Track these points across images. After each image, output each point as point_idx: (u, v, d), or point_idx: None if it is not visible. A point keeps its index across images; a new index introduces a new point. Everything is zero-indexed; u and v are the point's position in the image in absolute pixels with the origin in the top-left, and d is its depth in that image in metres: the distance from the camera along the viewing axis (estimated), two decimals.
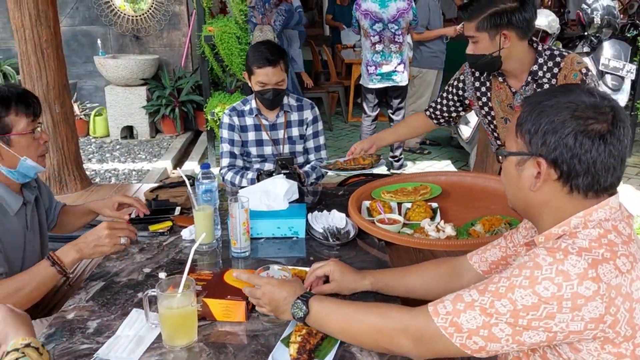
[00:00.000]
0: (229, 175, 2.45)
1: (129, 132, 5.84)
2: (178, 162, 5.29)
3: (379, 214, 1.88)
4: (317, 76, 7.71)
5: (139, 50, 5.96)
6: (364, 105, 4.86)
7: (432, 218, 1.86)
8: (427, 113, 2.39)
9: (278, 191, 1.91)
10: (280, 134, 2.51)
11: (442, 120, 2.38)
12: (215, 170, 2.28)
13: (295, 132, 2.54)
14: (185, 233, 1.86)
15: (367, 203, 2.04)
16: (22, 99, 1.57)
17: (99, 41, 5.74)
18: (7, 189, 1.60)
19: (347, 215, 1.92)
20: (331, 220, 1.89)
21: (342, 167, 2.17)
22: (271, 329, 1.32)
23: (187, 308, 1.25)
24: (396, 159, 4.98)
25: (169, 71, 5.94)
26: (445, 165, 5.12)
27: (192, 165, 5.16)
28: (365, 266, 1.63)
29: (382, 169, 5.04)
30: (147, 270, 1.63)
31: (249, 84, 2.41)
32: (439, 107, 2.34)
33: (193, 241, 1.81)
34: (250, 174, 2.42)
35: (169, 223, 1.93)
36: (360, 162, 2.19)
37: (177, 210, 2.04)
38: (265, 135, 2.50)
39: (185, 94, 5.73)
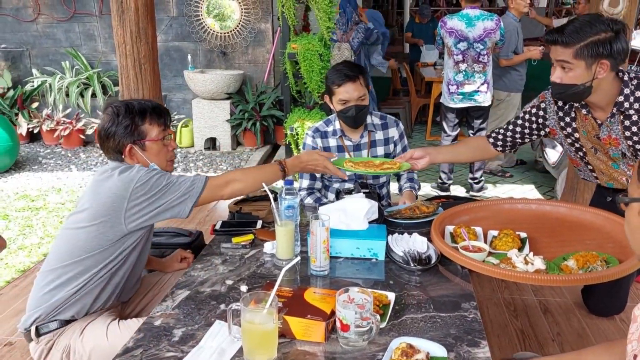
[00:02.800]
0: (308, 201, 2.48)
1: (212, 143, 6.07)
2: None
3: (463, 240, 1.82)
4: (395, 93, 7.68)
5: (225, 66, 6.21)
6: (444, 124, 4.77)
7: (520, 249, 1.77)
8: (490, 140, 2.29)
9: (358, 211, 1.89)
10: (364, 154, 2.50)
11: (506, 148, 2.28)
12: (296, 184, 2.31)
13: (380, 151, 2.52)
14: (268, 247, 1.89)
15: (450, 228, 1.98)
16: (156, 111, 1.80)
17: (189, 56, 6.04)
18: None
19: (429, 240, 1.87)
20: (412, 243, 1.85)
21: (408, 216, 2.12)
22: (350, 352, 1.30)
23: (268, 325, 1.26)
24: (476, 181, 4.82)
25: (252, 86, 6.13)
26: (529, 190, 4.89)
27: None
28: (447, 294, 1.58)
29: (460, 192, 4.91)
30: (229, 282, 1.67)
31: (331, 107, 2.42)
32: (508, 133, 2.24)
33: (274, 255, 1.84)
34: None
35: (251, 236, 1.97)
36: (424, 210, 2.14)
37: (259, 223, 2.08)
38: (347, 156, 2.49)
39: (267, 108, 5.89)
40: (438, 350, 1.27)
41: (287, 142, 5.07)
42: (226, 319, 1.36)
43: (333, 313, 1.37)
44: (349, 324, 1.29)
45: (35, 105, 6.15)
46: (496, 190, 4.92)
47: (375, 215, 1.94)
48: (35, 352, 1.73)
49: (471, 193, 4.82)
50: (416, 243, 1.85)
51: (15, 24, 6.28)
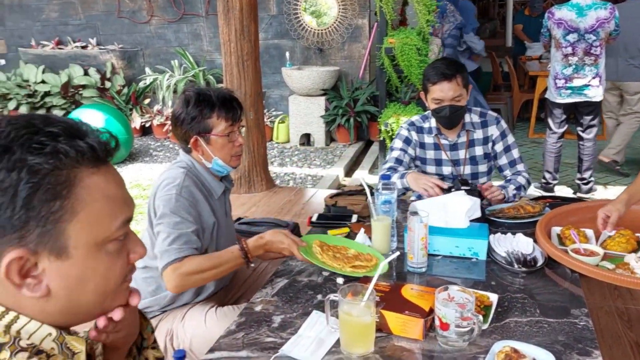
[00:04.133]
0: (385, 170, 2.34)
1: (306, 139, 6.19)
2: (349, 170, 5.46)
3: (573, 243, 1.71)
4: (496, 88, 7.36)
5: (321, 62, 6.30)
6: (549, 121, 4.49)
7: (637, 251, 1.62)
8: None
9: (458, 208, 1.84)
10: (461, 154, 2.40)
11: None
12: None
13: (478, 151, 2.40)
14: (359, 240, 1.87)
15: (557, 229, 1.87)
16: (225, 105, 1.77)
17: (287, 54, 6.20)
18: (212, 177, 1.83)
19: (534, 241, 1.77)
20: (516, 244, 1.76)
21: (512, 215, 2.01)
22: (449, 352, 1.27)
23: (365, 318, 1.26)
24: (584, 181, 4.49)
25: (347, 82, 6.16)
26: None
27: (362, 174, 5.28)
28: (555, 298, 1.49)
29: (566, 193, 4.60)
30: (325, 273, 1.69)
31: (426, 104, 2.35)
32: None
33: None
34: (403, 169, 2.31)
35: (346, 230, 1.98)
36: (529, 209, 2.01)
37: (354, 217, 2.09)
38: (444, 155, 2.41)
39: (361, 104, 5.90)
40: (545, 357, 1.20)
41: (381, 138, 5.04)
42: (324, 310, 1.38)
43: (432, 311, 1.34)
44: (448, 323, 1.25)
45: (147, 101, 6.63)
46: (606, 192, 4.56)
47: (478, 214, 1.87)
48: None
49: (578, 194, 4.50)
50: (520, 244, 1.76)
51: (132, 25, 6.79)
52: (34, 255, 0.68)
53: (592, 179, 4.51)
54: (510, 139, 2.42)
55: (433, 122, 2.39)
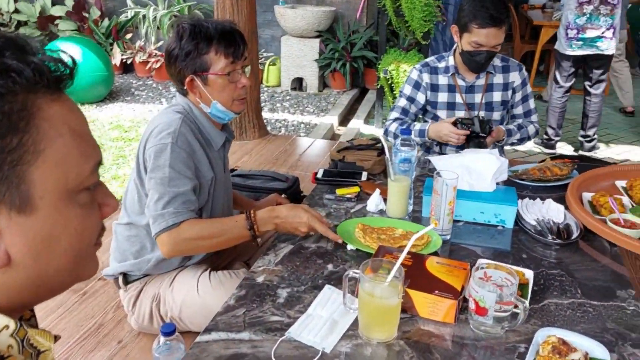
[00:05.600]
0: (393, 127, 2.20)
1: (298, 83, 5.89)
2: (344, 120, 5.21)
3: (610, 213, 1.53)
4: None
5: (316, 1, 5.91)
6: (557, 74, 4.28)
7: None
8: None
9: (485, 170, 1.64)
10: (478, 97, 2.20)
11: None
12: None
13: (496, 97, 2.21)
14: (371, 205, 1.67)
15: (588, 195, 1.69)
16: (225, 38, 1.48)
17: None
18: (211, 125, 1.58)
19: (566, 208, 1.60)
20: (546, 211, 1.58)
21: (537, 178, 1.83)
22: (484, 339, 1.10)
23: (392, 299, 1.07)
24: (588, 139, 4.33)
25: (344, 24, 5.81)
26: None
27: (357, 124, 5.04)
28: (595, 277, 1.33)
29: (567, 150, 4.45)
30: None
31: (456, 40, 2.11)
32: None
33: (381, 212, 1.65)
34: (419, 125, 2.16)
35: (357, 189, 1.78)
36: (556, 172, 1.84)
37: (364, 175, 1.88)
38: (459, 98, 2.21)
39: (358, 49, 5.58)
40: (597, 350, 1.04)
41: (379, 85, 4.78)
42: (336, 284, 1.20)
43: (463, 289, 1.16)
44: (487, 308, 1.08)
45: (129, 36, 6.19)
46: (609, 151, 4.42)
47: (505, 176, 1.68)
48: (124, 299, 1.65)
49: (580, 152, 4.36)
50: (551, 211, 1.58)
51: None
52: None
53: (595, 136, 4.36)
54: (529, 88, 2.29)
55: (451, 61, 2.19)
